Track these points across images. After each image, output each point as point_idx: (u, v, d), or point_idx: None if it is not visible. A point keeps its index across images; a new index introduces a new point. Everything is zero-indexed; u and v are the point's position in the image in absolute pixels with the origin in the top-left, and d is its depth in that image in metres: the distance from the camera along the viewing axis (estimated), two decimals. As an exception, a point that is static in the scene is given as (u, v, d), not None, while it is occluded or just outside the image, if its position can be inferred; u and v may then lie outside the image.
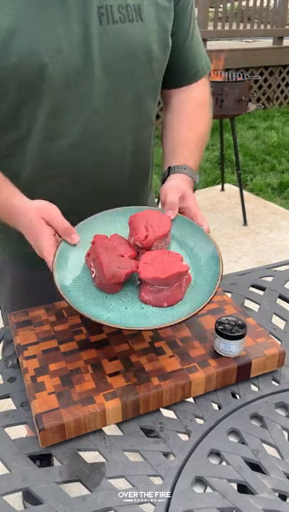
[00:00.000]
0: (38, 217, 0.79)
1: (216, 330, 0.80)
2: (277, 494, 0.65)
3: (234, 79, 3.18)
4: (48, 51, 0.79)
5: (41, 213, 0.80)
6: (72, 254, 0.77)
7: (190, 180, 0.94)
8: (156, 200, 1.24)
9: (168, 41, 0.94)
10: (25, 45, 0.78)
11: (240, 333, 0.78)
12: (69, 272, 0.75)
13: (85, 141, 0.89)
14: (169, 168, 0.96)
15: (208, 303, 0.71)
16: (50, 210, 0.80)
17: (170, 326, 0.70)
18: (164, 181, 0.94)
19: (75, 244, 0.80)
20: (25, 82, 0.81)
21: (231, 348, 0.79)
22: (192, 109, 1.04)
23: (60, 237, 0.81)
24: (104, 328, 0.74)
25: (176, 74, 1.03)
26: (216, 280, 0.74)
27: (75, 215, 0.85)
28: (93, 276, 0.75)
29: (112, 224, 0.83)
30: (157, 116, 1.06)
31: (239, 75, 3.22)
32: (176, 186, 0.89)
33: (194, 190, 0.95)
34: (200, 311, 0.71)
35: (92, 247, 0.75)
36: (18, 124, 0.87)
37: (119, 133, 0.92)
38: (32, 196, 0.84)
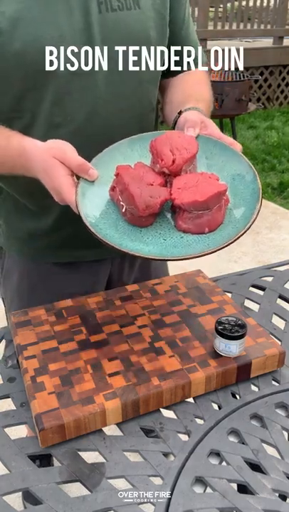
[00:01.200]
0: (50, 157, 0.75)
1: (216, 330, 0.80)
2: (277, 494, 0.65)
3: (234, 79, 3.18)
4: (52, 39, 0.81)
5: (53, 152, 0.75)
6: (94, 192, 0.71)
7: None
8: None
9: (165, 28, 0.96)
10: (29, 33, 0.80)
11: (240, 333, 0.78)
12: (96, 210, 0.69)
13: (90, 127, 0.90)
14: (180, 112, 0.89)
15: (252, 223, 0.65)
16: (61, 147, 0.76)
17: (217, 250, 0.63)
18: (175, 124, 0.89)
19: (93, 181, 0.74)
20: (30, 70, 0.83)
21: (231, 349, 0.79)
22: (193, 81, 1.04)
23: (76, 176, 0.75)
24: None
25: (174, 63, 1.04)
26: (257, 198, 0.67)
27: None
28: (123, 210, 0.69)
29: (129, 154, 0.77)
30: (158, 102, 1.06)
31: (239, 75, 3.22)
32: (193, 113, 0.86)
33: None
34: (245, 232, 0.65)
35: (117, 180, 0.69)
36: (22, 115, 0.89)
37: (123, 119, 0.93)
38: (37, 182, 0.82)
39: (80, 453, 0.70)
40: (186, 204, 0.65)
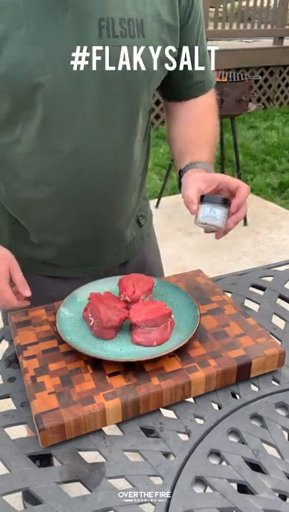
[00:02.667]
0: (3, 264, 0.87)
1: (201, 199, 0.82)
2: (277, 494, 0.65)
3: (234, 79, 3.18)
4: (39, 62, 0.76)
5: (6, 262, 0.87)
6: (69, 317, 0.89)
7: (203, 170, 0.92)
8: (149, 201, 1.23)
9: (168, 59, 0.89)
10: (13, 55, 0.74)
11: (225, 200, 0.79)
12: (70, 327, 0.87)
13: (76, 156, 0.87)
14: (180, 172, 0.95)
15: (191, 337, 0.82)
16: (10, 260, 0.88)
17: (158, 358, 0.79)
18: (180, 185, 0.95)
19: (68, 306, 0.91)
20: (16, 94, 0.79)
21: (216, 214, 0.78)
22: (199, 113, 1.03)
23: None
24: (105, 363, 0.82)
25: (181, 89, 1.01)
26: (196, 322, 0.85)
27: (65, 219, 0.93)
28: (91, 324, 0.85)
29: (102, 288, 0.96)
30: (157, 116, 1.06)
31: (239, 75, 3.22)
32: (189, 181, 0.88)
33: None
34: (184, 343, 0.81)
35: (89, 302, 0.87)
36: (11, 133, 0.86)
37: (110, 145, 0.89)
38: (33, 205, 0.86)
39: (80, 453, 0.70)
40: (139, 321, 0.82)
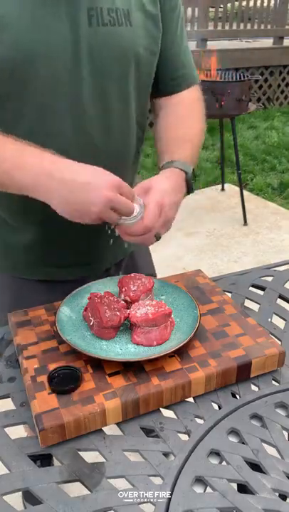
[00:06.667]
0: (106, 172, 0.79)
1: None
2: (277, 494, 0.65)
3: (234, 79, 3.18)
4: (37, 46, 0.78)
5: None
6: (69, 317, 0.89)
7: (176, 172, 0.91)
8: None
9: (155, 47, 0.94)
10: (13, 37, 0.77)
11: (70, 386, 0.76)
12: (70, 327, 0.86)
13: (75, 146, 0.87)
14: (160, 169, 0.94)
15: (191, 337, 0.82)
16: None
17: (158, 358, 0.79)
18: None
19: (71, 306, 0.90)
20: (13, 76, 0.80)
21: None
22: (184, 111, 1.03)
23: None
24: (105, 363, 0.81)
25: (166, 81, 1.02)
26: (196, 322, 0.85)
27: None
28: (91, 324, 0.86)
29: (102, 288, 0.96)
30: (151, 124, 1.06)
31: (239, 75, 3.22)
32: (141, 185, 0.88)
33: (189, 182, 0.92)
34: (184, 343, 0.81)
35: (89, 302, 0.87)
36: (3, 119, 0.85)
37: (103, 136, 0.90)
38: (20, 199, 0.82)
39: (80, 453, 0.70)
40: (139, 321, 0.82)
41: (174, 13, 0.96)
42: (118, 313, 0.84)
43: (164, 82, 1.02)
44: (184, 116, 1.02)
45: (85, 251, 1.05)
